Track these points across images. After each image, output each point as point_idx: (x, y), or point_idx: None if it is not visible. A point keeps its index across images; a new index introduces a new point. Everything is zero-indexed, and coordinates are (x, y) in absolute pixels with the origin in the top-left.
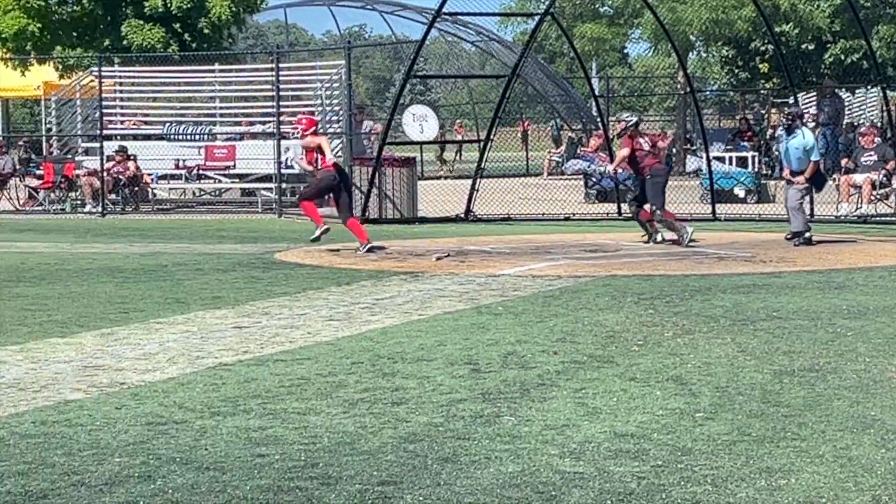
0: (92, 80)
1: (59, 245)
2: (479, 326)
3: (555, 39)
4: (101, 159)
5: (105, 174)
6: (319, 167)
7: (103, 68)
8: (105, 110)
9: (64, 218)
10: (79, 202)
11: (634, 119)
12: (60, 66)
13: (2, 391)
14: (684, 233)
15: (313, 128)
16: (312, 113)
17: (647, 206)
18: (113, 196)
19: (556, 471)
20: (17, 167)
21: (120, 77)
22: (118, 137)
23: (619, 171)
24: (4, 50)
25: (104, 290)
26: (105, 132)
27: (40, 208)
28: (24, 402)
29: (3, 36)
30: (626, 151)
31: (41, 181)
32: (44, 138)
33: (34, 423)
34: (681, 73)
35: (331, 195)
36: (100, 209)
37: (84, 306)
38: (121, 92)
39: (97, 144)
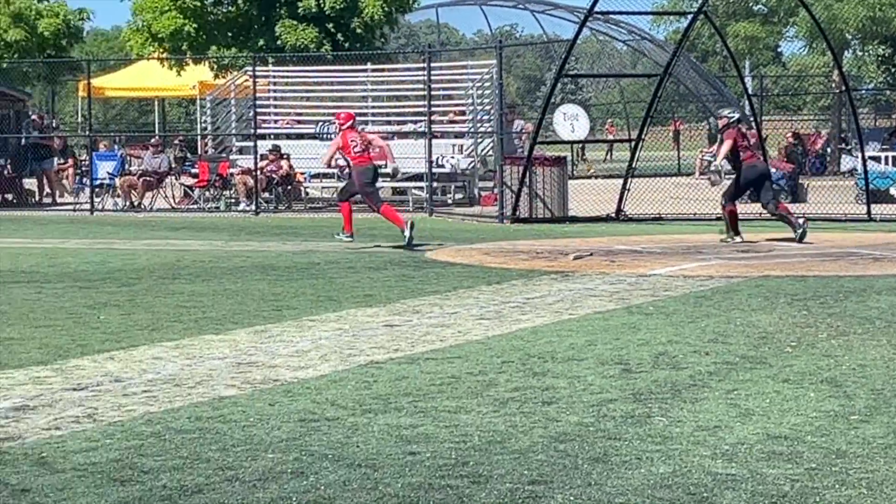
0: (246, 80)
1: (213, 243)
2: (630, 326)
3: (707, 38)
4: (255, 158)
5: (259, 173)
6: (352, 165)
7: (257, 68)
8: (259, 109)
9: (218, 216)
10: (233, 200)
11: (737, 115)
12: (215, 66)
13: (158, 387)
14: (798, 228)
15: (350, 122)
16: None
17: (763, 203)
18: (266, 194)
19: (707, 472)
20: (173, 166)
21: (274, 77)
22: (272, 136)
23: (774, 169)
24: (161, 50)
25: (258, 287)
26: (259, 131)
27: (195, 206)
28: (179, 398)
29: (160, 36)
30: (728, 144)
31: (196, 180)
32: (199, 137)
33: (189, 419)
34: (836, 71)
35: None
36: (253, 207)
37: (238, 303)
38: (274, 91)
39: (251, 143)
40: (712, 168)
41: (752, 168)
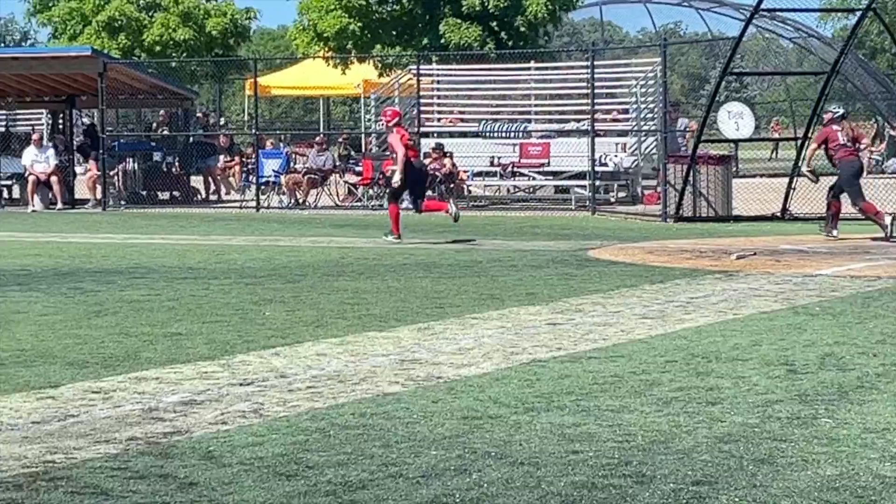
0: (410, 79)
1: (376, 240)
2: (796, 327)
3: (876, 35)
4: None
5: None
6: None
7: (421, 66)
8: (422, 108)
9: (381, 214)
10: None
11: (841, 111)
12: (380, 65)
13: (322, 383)
14: (887, 224)
15: (396, 119)
16: (626, 111)
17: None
18: (429, 192)
19: (875, 475)
20: (337, 164)
21: (437, 75)
22: (435, 135)
23: None
24: (326, 49)
25: (420, 285)
26: (422, 129)
27: (359, 204)
28: (343, 395)
29: (325, 35)
30: (815, 144)
31: (360, 178)
32: (363, 135)
33: (353, 415)
34: None
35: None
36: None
37: (401, 301)
38: (438, 90)
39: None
40: (803, 170)
41: (848, 164)
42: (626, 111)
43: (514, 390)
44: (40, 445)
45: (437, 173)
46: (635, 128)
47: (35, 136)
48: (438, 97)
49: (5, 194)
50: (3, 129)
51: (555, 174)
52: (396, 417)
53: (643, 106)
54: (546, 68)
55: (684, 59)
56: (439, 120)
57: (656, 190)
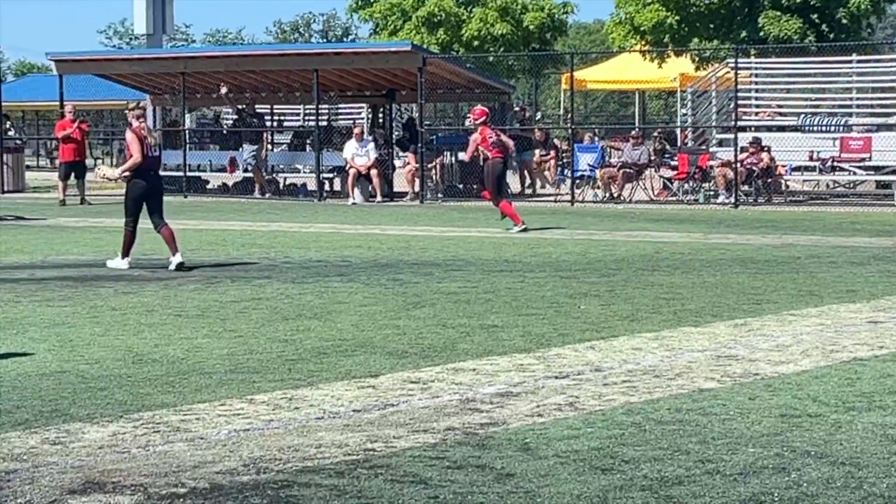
0: (727, 72)
1: (691, 235)
2: None
3: None
4: (735, 150)
5: (738, 165)
6: (490, 158)
7: (739, 60)
8: (740, 102)
9: (697, 208)
10: (711, 193)
11: None
12: (696, 59)
13: (637, 377)
14: None
15: (483, 118)
16: None
17: None
18: (745, 187)
19: None
20: (652, 158)
21: (755, 68)
22: (752, 129)
23: None
24: (642, 42)
25: (737, 280)
26: (739, 123)
27: (674, 198)
28: (658, 390)
29: (642, 28)
30: None
31: (675, 172)
32: (678, 129)
33: (669, 411)
34: None
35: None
36: (732, 200)
37: (717, 296)
38: (756, 83)
39: (731, 136)
40: None
41: None
42: None
43: (834, 389)
44: (361, 433)
45: (753, 167)
46: None
47: (356, 130)
48: (756, 91)
49: (326, 187)
50: (325, 123)
51: (876, 169)
52: (713, 414)
53: None
54: (868, 61)
55: None
56: (757, 114)
57: None
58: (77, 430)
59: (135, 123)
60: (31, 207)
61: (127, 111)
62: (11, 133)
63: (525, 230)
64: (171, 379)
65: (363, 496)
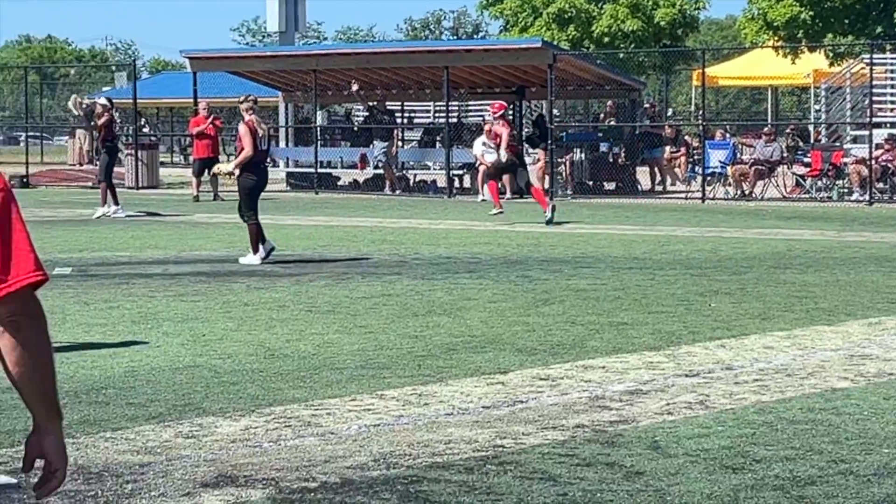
0: (862, 68)
1: (824, 233)
2: None
3: None
4: (870, 147)
5: (873, 162)
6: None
7: (874, 55)
8: (875, 98)
9: (830, 206)
10: (845, 190)
11: None
12: (830, 54)
13: (769, 376)
14: None
15: (501, 112)
16: None
17: None
18: (880, 184)
19: None
20: (785, 155)
21: (891, 64)
22: (887, 125)
23: None
24: (775, 38)
25: (871, 279)
26: (874, 120)
27: (806, 196)
28: (790, 389)
29: (775, 24)
30: None
31: (808, 169)
32: (811, 126)
33: (801, 410)
34: None
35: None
36: (867, 197)
37: (850, 294)
38: (891, 79)
39: (865, 132)
40: None
41: None
42: None
43: None
44: (490, 430)
45: (889, 165)
46: None
47: (486, 127)
48: (892, 87)
49: (456, 184)
50: (454, 120)
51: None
52: (846, 413)
53: None
54: None
55: None
56: (892, 110)
57: None
58: (210, 424)
59: (247, 117)
60: (165, 203)
61: (239, 104)
62: (146, 130)
63: (500, 214)
64: (303, 374)
65: (492, 492)
